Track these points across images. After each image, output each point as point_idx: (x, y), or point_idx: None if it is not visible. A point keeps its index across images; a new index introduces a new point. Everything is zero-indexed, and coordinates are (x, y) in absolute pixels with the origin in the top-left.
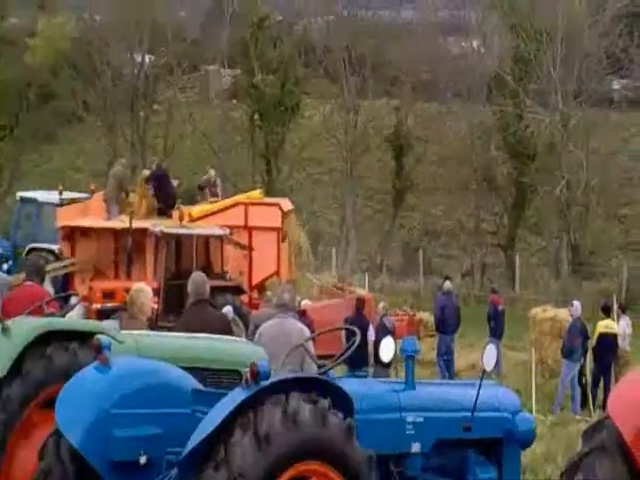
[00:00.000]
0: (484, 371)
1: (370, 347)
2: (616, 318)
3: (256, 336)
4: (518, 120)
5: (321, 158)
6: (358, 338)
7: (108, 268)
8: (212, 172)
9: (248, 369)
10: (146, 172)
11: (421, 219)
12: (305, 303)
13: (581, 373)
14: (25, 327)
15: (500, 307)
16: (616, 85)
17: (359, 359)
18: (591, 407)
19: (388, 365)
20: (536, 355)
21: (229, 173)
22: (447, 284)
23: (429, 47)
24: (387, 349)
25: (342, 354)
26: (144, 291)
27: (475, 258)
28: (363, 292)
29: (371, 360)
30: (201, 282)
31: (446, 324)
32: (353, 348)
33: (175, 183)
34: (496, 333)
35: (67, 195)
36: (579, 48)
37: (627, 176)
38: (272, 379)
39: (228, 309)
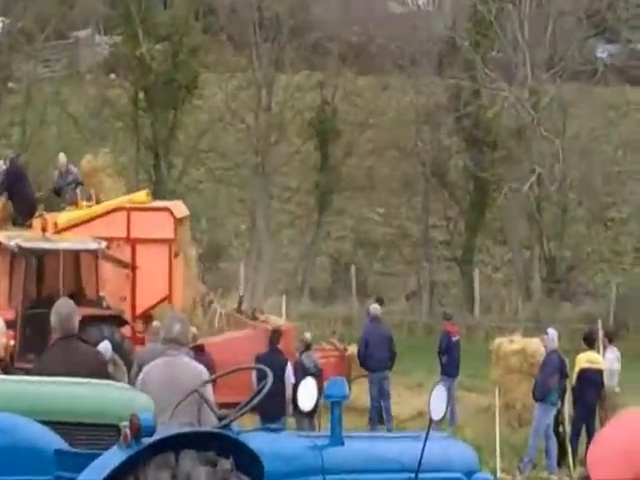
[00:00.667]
0: (432, 420)
1: (288, 392)
2: (602, 350)
3: (139, 380)
4: (476, 98)
5: (224, 149)
6: (270, 380)
7: None
8: (62, 157)
9: (128, 423)
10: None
11: (353, 226)
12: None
13: (558, 420)
14: None
15: (454, 338)
16: (600, 52)
17: (274, 407)
18: (570, 464)
19: (311, 414)
20: (501, 398)
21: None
22: (374, 308)
23: (362, 4)
24: (307, 394)
25: (249, 401)
26: None
27: (423, 275)
28: (279, 321)
29: (290, 409)
30: (69, 312)
31: (374, 359)
32: (263, 393)
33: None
34: (450, 370)
35: None
36: (552, 5)
37: (614, 169)
38: (159, 435)
39: (105, 345)
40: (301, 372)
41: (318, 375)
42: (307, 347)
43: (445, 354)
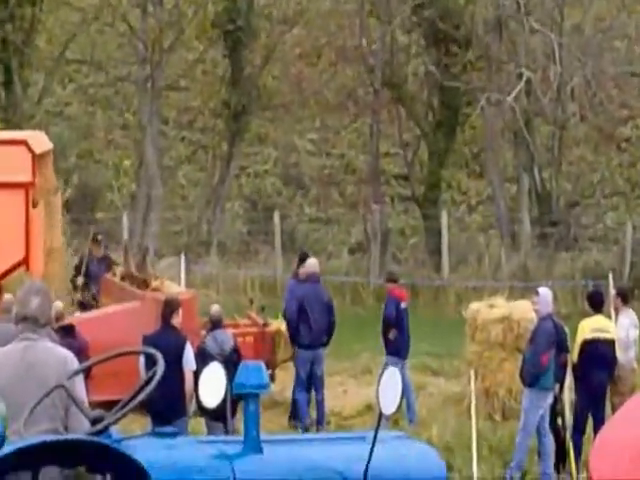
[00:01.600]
0: (382, 415)
1: (188, 383)
2: (613, 314)
3: None
4: None
5: (100, 59)
6: (161, 368)
7: None
8: None
9: None
10: None
11: (277, 158)
12: (76, 314)
13: (555, 411)
14: None
15: (403, 304)
16: None
17: (169, 405)
18: (573, 467)
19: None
20: (478, 383)
21: None
22: (311, 263)
23: None
24: (212, 385)
25: (133, 397)
26: None
27: (372, 221)
28: (176, 288)
29: (191, 406)
30: None
31: (309, 332)
32: (153, 386)
33: None
34: (400, 349)
35: None
36: None
37: (628, 71)
38: (10, 447)
39: None
40: (203, 359)
41: (234, 361)
42: (215, 324)
43: (394, 327)
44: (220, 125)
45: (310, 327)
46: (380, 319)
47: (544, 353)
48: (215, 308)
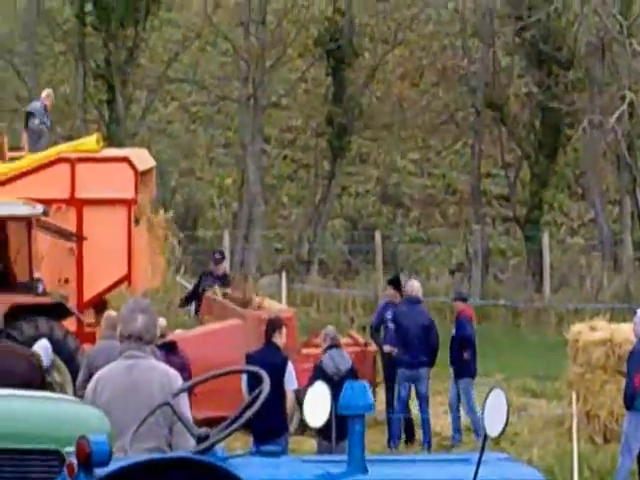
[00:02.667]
0: (486, 437)
1: (289, 402)
2: None
3: (90, 390)
4: (544, 0)
5: (203, 76)
6: (267, 387)
7: None
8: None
9: (74, 448)
10: None
11: (379, 178)
12: (176, 331)
13: None
14: None
15: (470, 322)
16: None
17: (272, 423)
18: None
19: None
20: (580, 406)
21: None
22: (412, 285)
23: None
24: (316, 404)
25: (239, 416)
26: None
27: (473, 242)
28: (278, 306)
29: (293, 423)
30: None
31: (408, 351)
32: (258, 405)
33: None
34: (471, 368)
35: None
36: None
37: None
38: (116, 464)
39: (43, 345)
40: (317, 378)
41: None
42: (333, 343)
43: (469, 348)
44: (322, 144)
45: (408, 347)
46: (481, 340)
47: (637, 374)
48: (330, 328)
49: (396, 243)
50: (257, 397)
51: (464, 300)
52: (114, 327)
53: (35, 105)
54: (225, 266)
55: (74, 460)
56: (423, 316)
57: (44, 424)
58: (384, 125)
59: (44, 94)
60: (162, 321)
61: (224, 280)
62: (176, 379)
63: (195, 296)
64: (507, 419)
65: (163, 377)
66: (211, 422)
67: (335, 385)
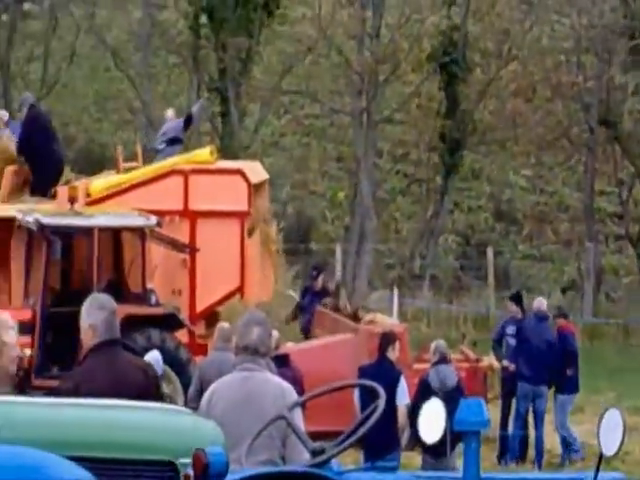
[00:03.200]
0: (602, 456)
1: (401, 417)
2: None
3: (204, 401)
4: None
5: (316, 89)
6: (383, 401)
7: None
8: (170, 112)
9: (190, 460)
10: (3, 113)
11: (491, 194)
12: (288, 344)
13: None
14: None
15: (572, 339)
16: None
17: (383, 438)
18: None
19: (440, 448)
20: None
21: (156, 117)
22: (540, 301)
23: None
24: (433, 420)
25: (355, 430)
26: (7, 325)
27: (586, 260)
28: (389, 321)
29: (404, 439)
30: (113, 310)
31: (531, 365)
32: (373, 420)
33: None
34: (573, 385)
35: None
36: None
37: None
38: (233, 476)
39: (154, 356)
40: (424, 393)
41: (450, 397)
42: (441, 358)
43: (571, 363)
44: (434, 159)
45: (531, 363)
46: (593, 359)
47: None
48: (441, 342)
49: (508, 260)
50: (373, 412)
51: (565, 317)
52: (226, 339)
53: (170, 125)
54: (324, 280)
55: (190, 472)
56: (549, 333)
57: (159, 435)
58: (497, 141)
59: (171, 114)
60: (275, 334)
61: (324, 294)
62: (290, 393)
63: (300, 311)
64: (623, 439)
65: (277, 390)
66: (321, 435)
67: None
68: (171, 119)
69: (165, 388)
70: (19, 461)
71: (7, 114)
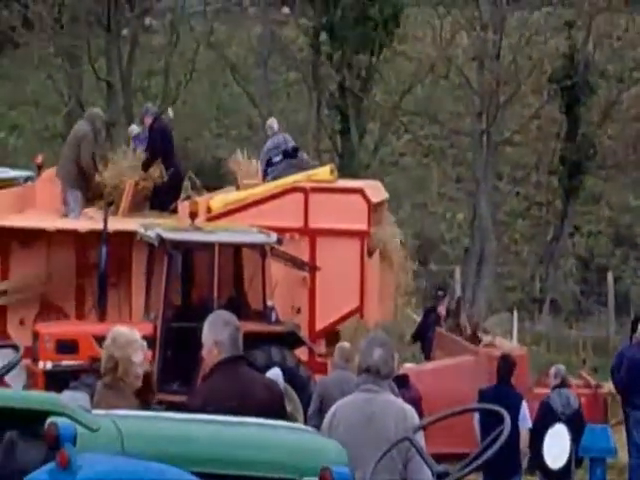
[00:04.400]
0: None
1: (523, 441)
2: None
3: (326, 422)
4: None
5: (436, 111)
6: (508, 426)
7: (66, 300)
8: (171, 112)
9: (317, 479)
10: (134, 129)
11: (612, 218)
12: (407, 365)
13: None
14: None
15: None
16: None
17: (504, 462)
18: None
19: (563, 474)
20: None
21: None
22: None
23: None
24: (557, 446)
25: (480, 453)
26: (133, 341)
27: None
28: (509, 344)
29: (524, 463)
30: (238, 326)
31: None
32: (499, 445)
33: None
34: None
35: None
36: None
37: None
38: None
39: (275, 373)
40: (546, 417)
41: (571, 421)
42: (562, 383)
43: None
44: (554, 182)
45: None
46: None
47: None
48: (561, 367)
49: (629, 285)
50: (498, 436)
51: None
52: (347, 358)
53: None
54: (448, 302)
55: None
56: None
57: (285, 453)
58: (617, 165)
59: (276, 125)
60: (396, 355)
61: (447, 316)
62: (412, 415)
63: (421, 332)
64: None
65: (399, 412)
66: (438, 458)
67: None
68: (276, 132)
69: (287, 406)
70: (147, 476)
71: (137, 128)
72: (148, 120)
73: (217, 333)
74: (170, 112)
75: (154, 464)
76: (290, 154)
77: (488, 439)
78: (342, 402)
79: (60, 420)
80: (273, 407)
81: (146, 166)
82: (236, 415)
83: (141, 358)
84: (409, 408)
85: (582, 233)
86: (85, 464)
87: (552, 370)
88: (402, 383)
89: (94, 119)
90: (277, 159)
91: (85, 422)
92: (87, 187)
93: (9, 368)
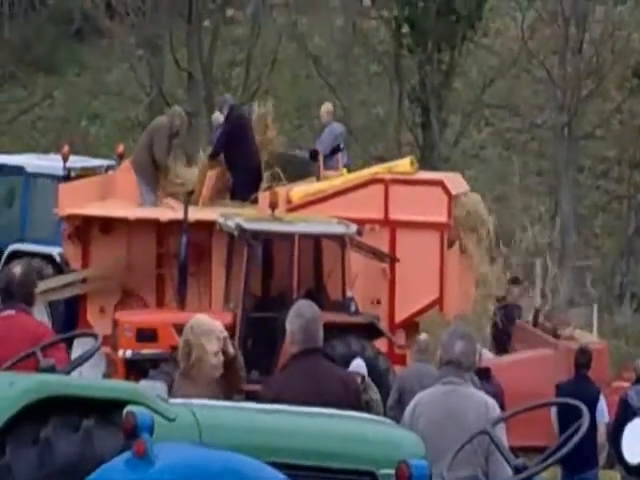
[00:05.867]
0: None
1: (601, 435)
2: None
3: (407, 414)
4: None
5: (518, 104)
6: (587, 421)
7: (146, 289)
8: (256, 106)
9: (392, 472)
10: (219, 118)
11: None
12: (486, 356)
13: None
14: (5, 391)
15: None
16: None
17: (582, 457)
18: None
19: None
20: None
21: (356, 125)
22: None
23: None
24: (634, 441)
25: (559, 447)
26: (209, 330)
27: None
28: (589, 337)
29: (602, 458)
30: (314, 317)
31: None
32: (577, 439)
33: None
34: None
35: (77, 162)
36: None
37: None
38: None
39: (359, 364)
40: (624, 412)
41: None
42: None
43: None
44: (636, 176)
45: None
46: None
47: None
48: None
49: None
50: (576, 430)
51: None
52: (426, 350)
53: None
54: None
55: None
56: None
57: (362, 445)
58: None
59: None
60: (479, 347)
61: (516, 309)
62: (494, 408)
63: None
64: None
65: (481, 406)
66: (517, 451)
67: None
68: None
69: (372, 395)
70: (225, 465)
71: (221, 117)
72: (225, 109)
73: (291, 324)
74: (255, 106)
75: (231, 454)
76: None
77: (566, 433)
78: (423, 394)
79: (137, 409)
80: (348, 400)
81: (214, 152)
82: (310, 407)
83: (216, 348)
84: (491, 401)
85: None
86: (162, 454)
87: (633, 365)
88: (484, 376)
89: (174, 115)
90: (342, 145)
91: (162, 411)
92: (159, 178)
93: (87, 357)
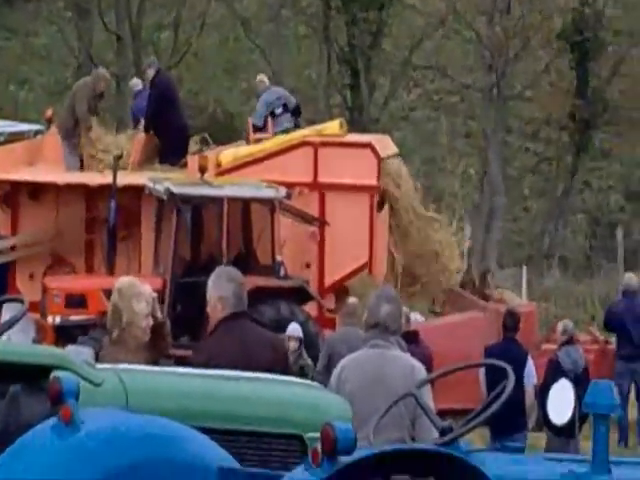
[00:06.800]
0: None
1: (529, 398)
2: None
3: (334, 378)
4: None
5: (446, 65)
6: (512, 381)
7: (75, 254)
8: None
9: (319, 435)
10: (135, 82)
11: (622, 174)
12: (415, 319)
13: None
14: None
15: None
16: None
17: (510, 418)
18: None
19: (568, 430)
20: None
21: (286, 88)
22: (628, 278)
23: None
24: (561, 402)
25: (484, 409)
26: (139, 293)
27: None
28: (518, 300)
29: (531, 421)
30: (242, 282)
31: (627, 344)
32: (503, 400)
33: None
34: None
35: (5, 127)
36: None
37: None
38: (360, 453)
39: (295, 328)
40: (554, 373)
41: (579, 378)
42: (569, 340)
43: None
44: (565, 138)
45: (629, 341)
46: None
47: None
48: (569, 323)
49: (638, 240)
50: (501, 392)
51: None
52: (354, 314)
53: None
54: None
55: (319, 447)
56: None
57: (289, 409)
58: (629, 120)
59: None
60: (406, 310)
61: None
62: (420, 371)
63: None
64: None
65: (407, 368)
66: (446, 414)
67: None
68: (268, 86)
69: (307, 360)
70: (150, 430)
71: (140, 83)
72: (150, 73)
73: (221, 289)
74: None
75: (156, 419)
76: (294, 112)
77: (492, 394)
78: (350, 358)
79: (63, 375)
80: (277, 363)
81: (147, 121)
82: (240, 371)
83: (146, 310)
84: (417, 364)
85: (592, 189)
86: (88, 419)
87: (559, 326)
88: (411, 339)
89: (97, 76)
90: (279, 111)
91: (88, 377)
92: (81, 137)
93: (14, 321)
